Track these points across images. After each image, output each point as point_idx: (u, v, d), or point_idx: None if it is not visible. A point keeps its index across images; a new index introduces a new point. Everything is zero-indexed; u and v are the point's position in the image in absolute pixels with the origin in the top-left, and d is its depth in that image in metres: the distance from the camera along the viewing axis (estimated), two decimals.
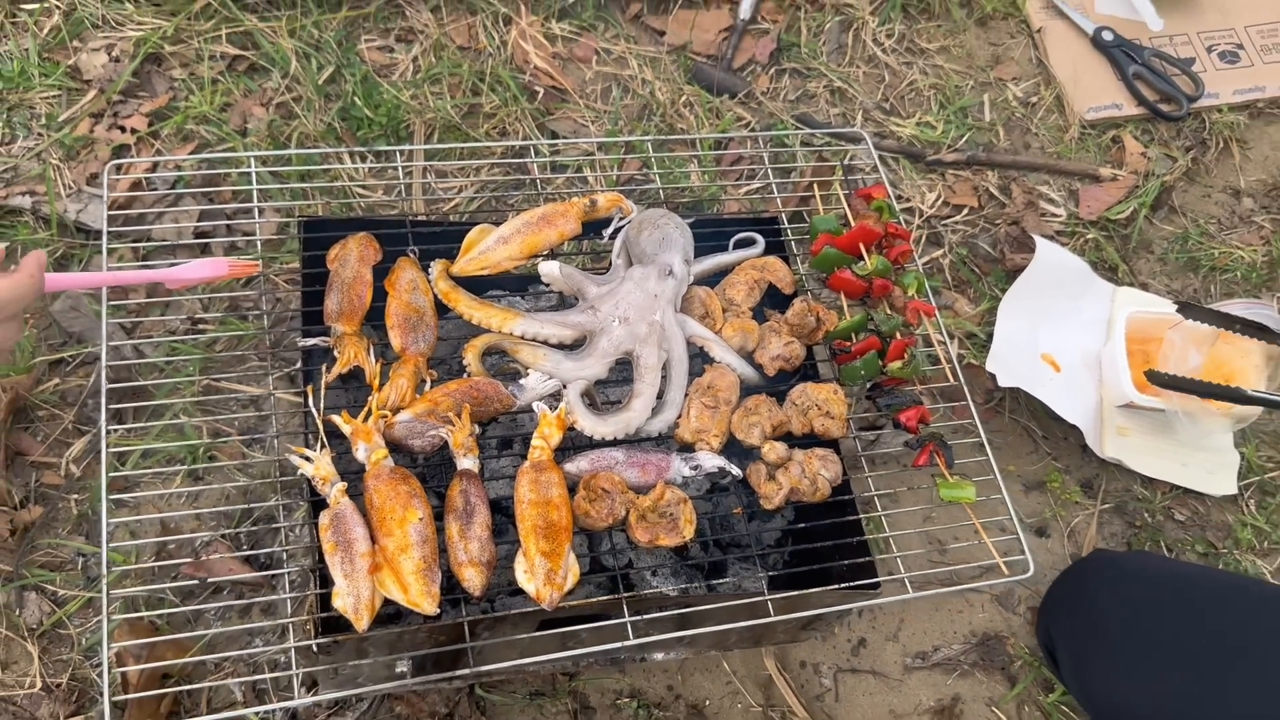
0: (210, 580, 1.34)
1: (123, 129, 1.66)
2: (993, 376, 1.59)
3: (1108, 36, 2.02)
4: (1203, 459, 1.66)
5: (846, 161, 1.52)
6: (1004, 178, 1.88)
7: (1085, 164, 1.90)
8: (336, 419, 1.08)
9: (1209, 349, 1.56)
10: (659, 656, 1.34)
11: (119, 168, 1.60)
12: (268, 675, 1.10)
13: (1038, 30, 2.05)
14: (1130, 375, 1.60)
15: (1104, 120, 1.97)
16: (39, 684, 1.28)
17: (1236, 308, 1.58)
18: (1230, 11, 2.13)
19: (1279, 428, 1.72)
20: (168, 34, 1.72)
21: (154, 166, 1.62)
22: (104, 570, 1.02)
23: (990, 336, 1.65)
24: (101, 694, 1.27)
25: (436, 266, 1.21)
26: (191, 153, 1.63)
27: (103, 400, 1.09)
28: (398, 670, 1.11)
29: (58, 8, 1.74)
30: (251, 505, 1.40)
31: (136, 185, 1.60)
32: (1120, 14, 2.07)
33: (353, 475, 1.08)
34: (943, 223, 1.80)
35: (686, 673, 1.40)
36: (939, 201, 1.82)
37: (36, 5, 1.73)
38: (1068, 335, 1.70)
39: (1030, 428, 1.66)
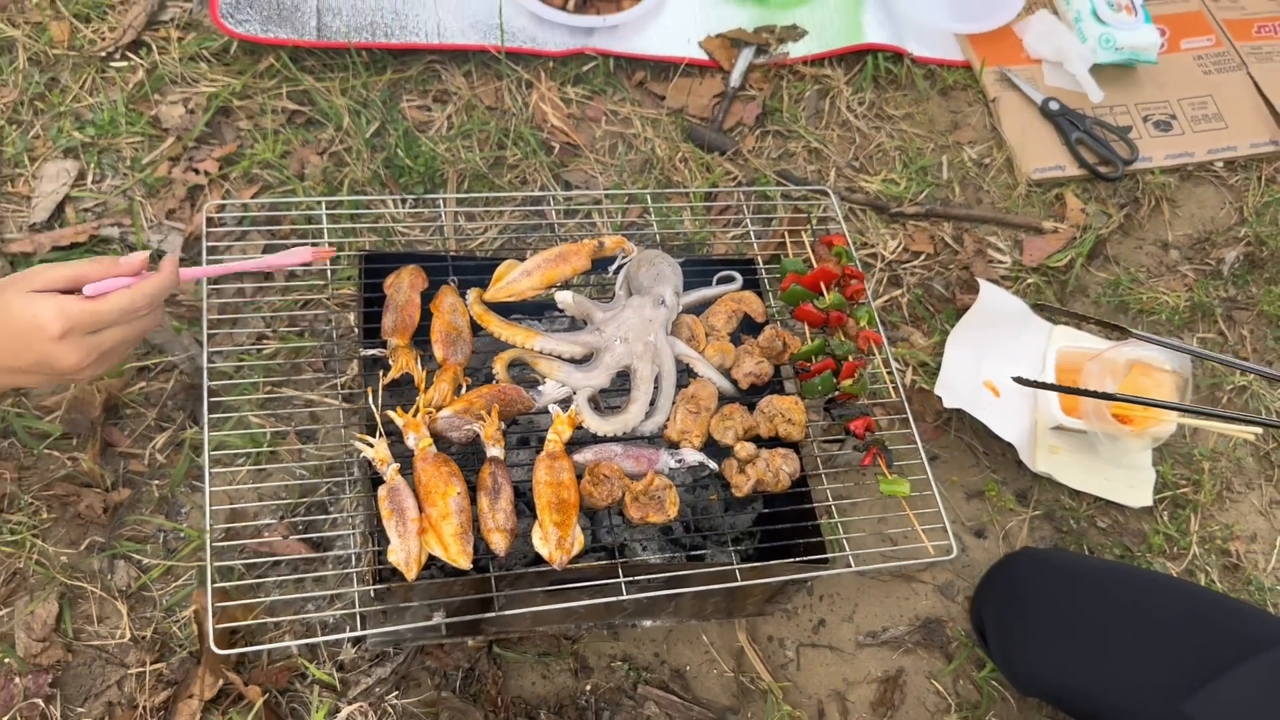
0: (271, 553, 1.59)
1: (197, 171, 1.92)
2: (940, 399, 1.84)
3: (1054, 106, 2.29)
4: (1123, 475, 1.90)
5: (820, 213, 1.78)
6: (958, 229, 2.14)
7: (1030, 218, 2.17)
8: (391, 414, 1.34)
9: (1124, 378, 1.81)
10: (647, 624, 1.59)
11: (220, 207, 1.85)
12: (328, 615, 1.35)
13: (992, 100, 2.32)
14: (1059, 401, 1.86)
15: (1049, 180, 2.24)
16: (128, 635, 1.52)
17: (1139, 344, 1.83)
18: (1165, 86, 2.41)
19: (1190, 450, 1.97)
20: (236, 90, 2.00)
21: (224, 206, 1.89)
22: (207, 526, 1.27)
23: (940, 365, 1.91)
24: (181, 645, 1.53)
25: (472, 294, 1.47)
26: (255, 194, 1.90)
27: (204, 394, 1.36)
28: (433, 620, 1.36)
29: (142, 65, 2.01)
30: (305, 494, 1.65)
31: (210, 221, 1.86)
32: (1066, 86, 2.34)
33: (403, 459, 1.34)
34: (902, 266, 2.07)
35: (671, 642, 1.64)
36: (900, 248, 2.08)
37: (124, 64, 2.01)
38: (1007, 366, 1.95)
39: (973, 445, 1.92)
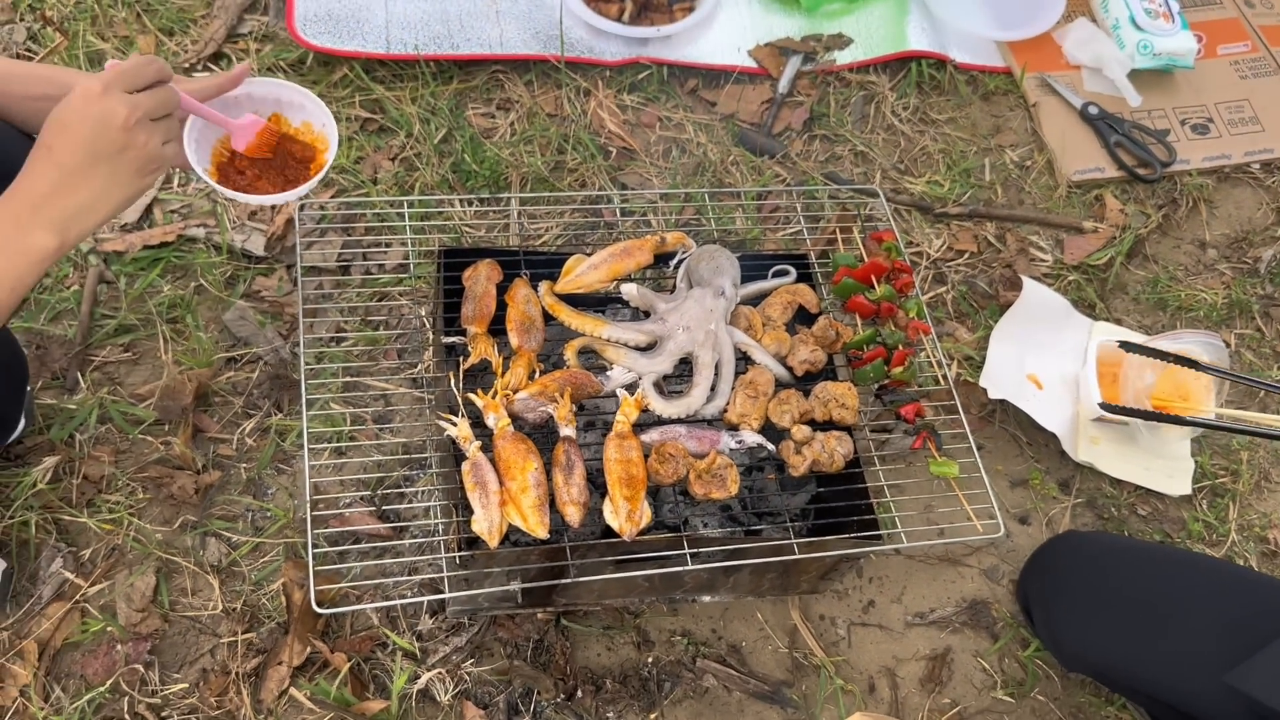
0: (354, 531, 1.69)
1: None
2: (985, 391, 1.92)
3: (1093, 110, 2.36)
4: (1163, 464, 1.97)
5: (866, 212, 1.87)
6: (1000, 228, 2.22)
7: (1071, 218, 2.24)
8: (472, 396, 1.44)
9: (1163, 369, 1.88)
10: (706, 599, 1.68)
11: (301, 208, 1.95)
12: (419, 578, 1.44)
13: (1033, 105, 2.40)
14: (1100, 393, 1.92)
15: (1088, 181, 2.31)
16: (219, 607, 1.63)
17: (1187, 337, 1.90)
18: (1202, 90, 2.47)
19: (1228, 440, 2.03)
20: None
21: (302, 206, 2.00)
22: (307, 496, 1.37)
23: (984, 359, 1.98)
24: (269, 617, 1.63)
25: (544, 286, 1.57)
26: (333, 196, 2.02)
27: (302, 381, 1.46)
28: (511, 587, 1.45)
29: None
30: (384, 476, 1.75)
31: (289, 221, 1.98)
32: (1105, 91, 2.41)
33: (483, 439, 1.43)
34: (947, 264, 2.15)
35: (728, 619, 1.72)
36: (944, 247, 2.16)
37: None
38: (1050, 359, 2.02)
39: (1016, 435, 1.99)
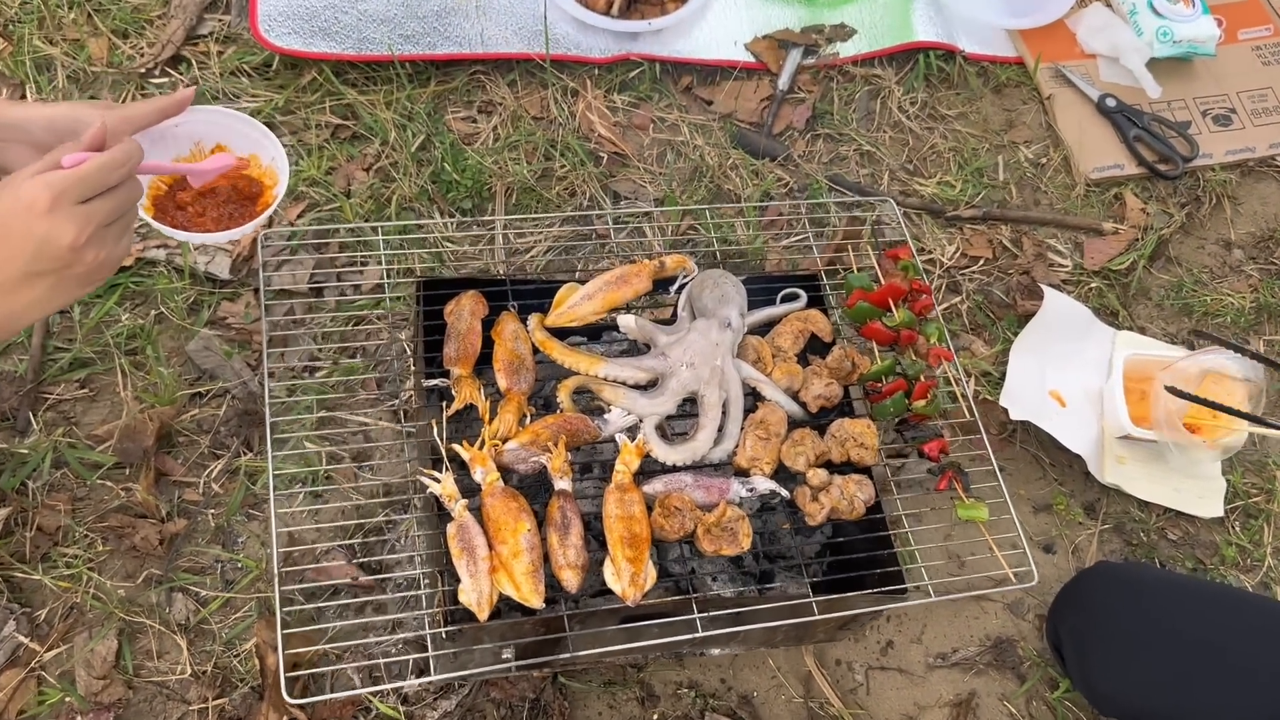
0: (331, 582, 1.56)
1: None
2: (1005, 411, 1.80)
3: (1111, 103, 2.23)
4: (1193, 485, 1.86)
5: (874, 218, 1.74)
6: (1016, 231, 2.09)
7: (1090, 219, 2.12)
8: (458, 448, 1.31)
9: (1196, 388, 1.76)
10: (715, 652, 1.56)
11: (265, 236, 1.81)
12: (401, 641, 1.32)
13: (1047, 97, 2.26)
14: (1127, 410, 1.81)
15: (1107, 179, 2.18)
16: (188, 671, 1.50)
17: (1219, 351, 1.78)
18: (1223, 79, 2.34)
19: (1262, 457, 1.91)
20: (279, 105, 1.96)
21: (270, 224, 1.86)
22: (274, 549, 1.24)
23: (1003, 375, 1.85)
24: (242, 680, 1.51)
25: (534, 319, 1.44)
26: (301, 213, 1.87)
27: (267, 420, 1.33)
28: (503, 656, 1.33)
29: (182, 81, 1.98)
30: (364, 520, 1.62)
31: (256, 241, 1.84)
32: (1122, 82, 2.28)
33: (469, 492, 1.30)
34: (961, 272, 2.02)
35: (737, 668, 1.60)
36: (957, 253, 2.03)
37: (164, 80, 1.98)
38: (1073, 374, 1.91)
39: (1039, 456, 1.87)
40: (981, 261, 2.04)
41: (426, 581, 1.28)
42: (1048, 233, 2.10)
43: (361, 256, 1.82)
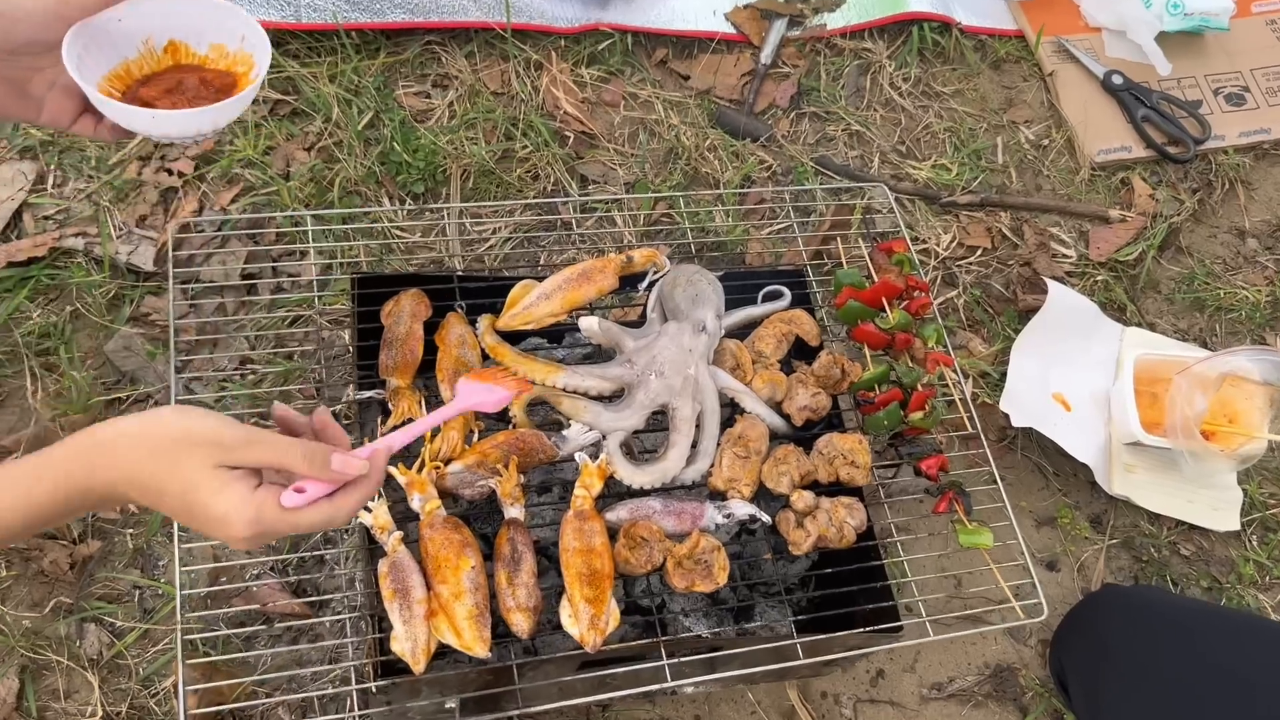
0: (262, 611, 1.40)
1: (170, 172, 1.72)
2: (1006, 416, 1.65)
3: (1117, 80, 2.08)
4: (1207, 496, 1.72)
5: (865, 204, 1.58)
6: (1016, 219, 1.94)
7: (1095, 206, 1.96)
8: (393, 470, 1.14)
9: (1214, 393, 1.61)
10: (689, 690, 1.41)
11: (184, 226, 1.62)
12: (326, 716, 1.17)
13: (1049, 74, 2.11)
14: (1138, 415, 1.66)
15: (1113, 162, 2.03)
16: (100, 713, 1.35)
17: (1242, 353, 1.64)
18: (1237, 55, 2.19)
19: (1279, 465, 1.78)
20: None
21: (200, 209, 1.69)
22: (176, 578, 1.08)
23: (1003, 375, 1.71)
24: None
25: (483, 322, 1.27)
26: (236, 197, 1.70)
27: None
28: (446, 707, 1.17)
29: None
30: (297, 543, 1.46)
31: (184, 228, 1.66)
32: (1130, 58, 2.13)
33: (405, 520, 1.15)
34: (957, 263, 1.86)
35: (713, 704, 1.46)
36: (954, 243, 1.88)
37: None
38: (1078, 375, 1.76)
39: (1042, 465, 1.72)
40: (980, 252, 1.89)
41: (355, 627, 1.12)
42: (1050, 220, 1.95)
43: (300, 247, 1.65)
